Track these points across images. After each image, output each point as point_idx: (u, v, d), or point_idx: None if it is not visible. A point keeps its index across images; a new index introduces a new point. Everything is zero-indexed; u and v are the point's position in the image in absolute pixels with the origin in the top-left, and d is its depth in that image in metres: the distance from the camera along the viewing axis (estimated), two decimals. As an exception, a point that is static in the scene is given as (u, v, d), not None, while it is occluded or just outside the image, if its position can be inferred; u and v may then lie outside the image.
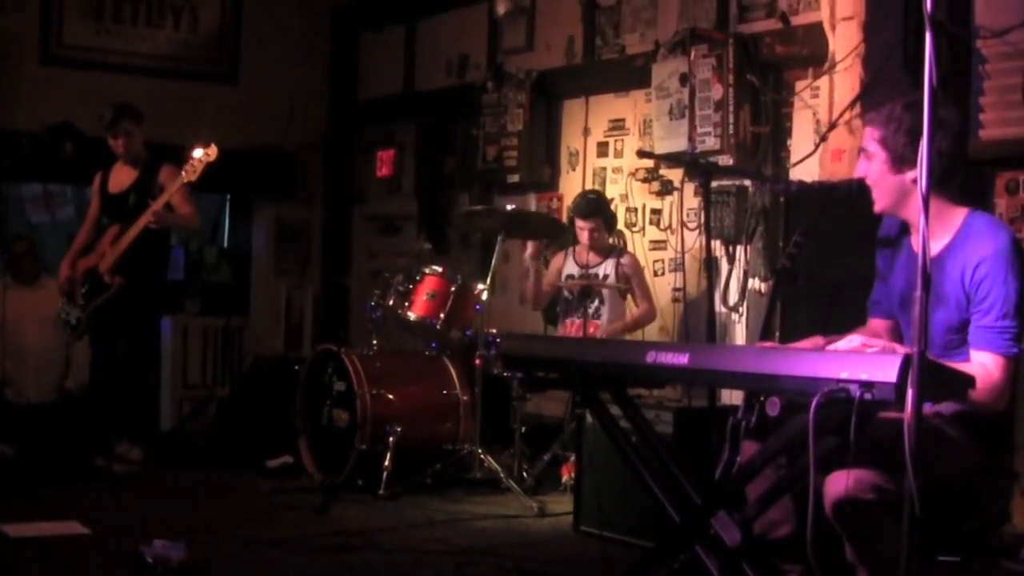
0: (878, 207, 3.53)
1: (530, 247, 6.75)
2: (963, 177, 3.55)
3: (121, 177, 6.76)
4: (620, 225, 7.02)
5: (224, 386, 8.78)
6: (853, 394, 2.77)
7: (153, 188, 6.57)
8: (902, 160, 3.38)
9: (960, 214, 3.45)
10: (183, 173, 6.43)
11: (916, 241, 3.55)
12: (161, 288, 6.91)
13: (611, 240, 6.76)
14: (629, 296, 6.64)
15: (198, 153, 6.42)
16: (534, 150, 7.65)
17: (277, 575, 4.50)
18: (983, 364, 3.26)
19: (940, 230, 3.38)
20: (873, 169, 3.48)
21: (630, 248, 6.91)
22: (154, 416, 7.00)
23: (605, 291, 6.53)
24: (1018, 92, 5.13)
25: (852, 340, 3.19)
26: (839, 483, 3.06)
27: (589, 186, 7.31)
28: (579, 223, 6.55)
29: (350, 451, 6.09)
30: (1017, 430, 4.17)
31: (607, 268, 6.55)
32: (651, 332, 6.72)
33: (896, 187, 3.43)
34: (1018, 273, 3.31)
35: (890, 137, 3.41)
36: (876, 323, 3.72)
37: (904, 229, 3.62)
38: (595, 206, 6.60)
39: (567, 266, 6.73)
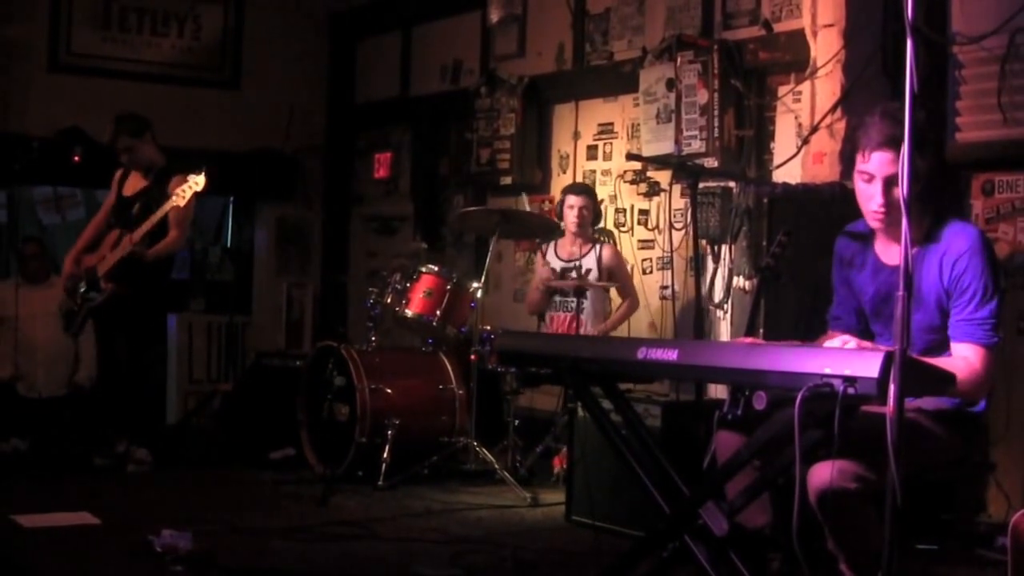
0: (884, 224, 3.43)
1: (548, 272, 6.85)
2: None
3: (135, 181, 6.64)
4: (609, 225, 7.12)
5: (228, 381, 8.78)
6: (837, 389, 2.78)
7: (160, 199, 6.35)
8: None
9: (928, 216, 3.46)
10: (173, 197, 6.23)
11: (882, 249, 3.55)
12: (160, 294, 6.72)
13: (594, 235, 6.79)
14: (612, 289, 6.69)
15: (189, 181, 6.23)
16: (526, 153, 7.72)
17: (280, 563, 4.54)
18: (965, 357, 3.28)
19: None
20: (897, 195, 3.15)
21: (619, 248, 6.95)
22: (160, 410, 6.99)
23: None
24: (993, 96, 5.17)
25: (848, 342, 3.17)
26: (823, 474, 3.06)
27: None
28: (570, 200, 6.57)
29: (350, 443, 6.15)
30: (993, 425, 4.32)
31: (589, 261, 6.53)
32: (640, 328, 6.80)
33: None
34: (993, 266, 3.34)
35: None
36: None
37: (865, 240, 3.60)
38: (587, 187, 6.78)
39: (550, 260, 6.72)
